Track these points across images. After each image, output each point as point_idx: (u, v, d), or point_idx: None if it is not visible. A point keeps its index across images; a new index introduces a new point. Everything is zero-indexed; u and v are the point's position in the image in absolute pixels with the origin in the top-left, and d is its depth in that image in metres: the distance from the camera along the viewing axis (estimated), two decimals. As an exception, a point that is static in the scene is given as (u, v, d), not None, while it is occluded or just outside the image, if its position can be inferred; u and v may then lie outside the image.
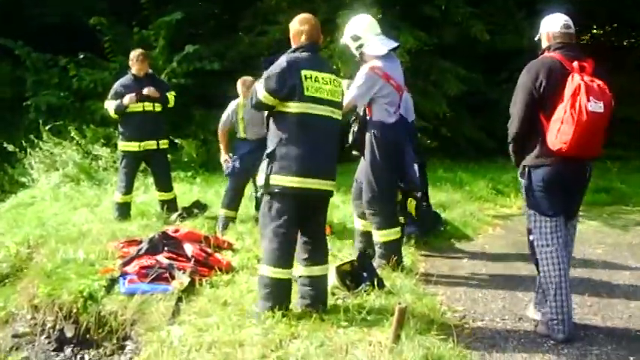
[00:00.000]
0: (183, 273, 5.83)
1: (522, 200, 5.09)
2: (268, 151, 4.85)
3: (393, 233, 6.22)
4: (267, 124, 4.99)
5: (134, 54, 8.34)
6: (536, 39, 5.11)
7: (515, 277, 6.33)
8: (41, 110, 12.84)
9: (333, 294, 5.43)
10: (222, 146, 8.20)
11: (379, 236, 6.21)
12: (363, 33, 6.11)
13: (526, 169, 4.88)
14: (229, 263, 6.27)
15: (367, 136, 6.13)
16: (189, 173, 11.81)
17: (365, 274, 5.57)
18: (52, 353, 5.77)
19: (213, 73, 12.95)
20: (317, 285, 5.05)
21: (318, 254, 5.09)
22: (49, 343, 5.86)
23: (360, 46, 6.11)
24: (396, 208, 6.51)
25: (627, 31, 17.71)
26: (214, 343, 4.54)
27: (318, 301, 5.02)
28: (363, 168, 6.31)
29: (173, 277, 5.81)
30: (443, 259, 7.13)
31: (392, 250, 6.17)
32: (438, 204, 9.07)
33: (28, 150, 11.64)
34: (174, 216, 8.23)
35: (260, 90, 4.85)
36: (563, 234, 4.91)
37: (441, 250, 7.48)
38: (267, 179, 4.81)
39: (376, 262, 6.05)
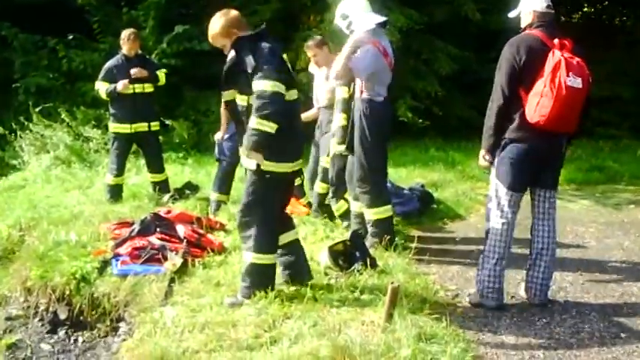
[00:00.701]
0: (176, 254, 5.82)
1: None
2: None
3: (384, 211, 6.22)
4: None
5: (125, 33, 8.26)
6: (511, 16, 5.17)
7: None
8: (31, 92, 12.73)
9: (326, 274, 5.44)
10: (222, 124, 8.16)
11: (370, 214, 6.22)
12: (352, 11, 6.09)
13: (502, 141, 4.94)
14: (221, 244, 6.27)
15: (357, 114, 6.12)
16: (181, 154, 11.76)
17: (357, 254, 5.57)
18: (46, 335, 5.76)
19: (204, 53, 12.83)
20: (295, 250, 5.15)
21: (287, 220, 5.21)
22: (42, 325, 5.86)
23: (350, 24, 6.10)
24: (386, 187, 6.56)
25: (618, 10, 17.67)
26: (207, 323, 4.53)
27: (300, 267, 5.11)
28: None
29: (166, 258, 5.80)
30: (435, 238, 7.15)
31: (384, 228, 6.18)
32: (430, 183, 9.09)
33: (18, 132, 11.55)
34: (166, 197, 8.21)
35: (273, 85, 4.50)
36: (518, 210, 5.08)
37: (433, 230, 7.50)
38: (258, 166, 4.72)
39: (369, 241, 6.06)
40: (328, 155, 6.91)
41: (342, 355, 3.92)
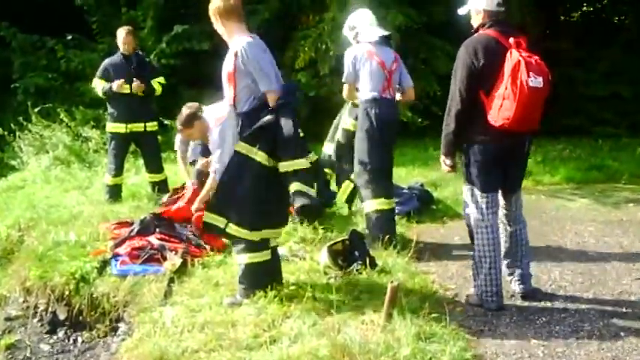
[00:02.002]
0: (175, 254, 5.82)
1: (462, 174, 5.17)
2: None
3: (382, 203, 6.32)
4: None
5: (121, 30, 8.28)
6: (460, 13, 5.13)
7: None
8: (29, 92, 12.76)
9: (326, 273, 5.44)
10: None
11: (368, 207, 6.35)
12: (358, 23, 6.55)
13: (465, 145, 4.94)
14: (223, 242, 6.25)
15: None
16: (180, 154, 11.73)
17: (357, 253, 5.58)
18: (45, 335, 5.75)
19: (203, 52, 12.85)
20: (274, 253, 5.16)
21: None
22: (41, 325, 5.85)
23: (356, 35, 6.54)
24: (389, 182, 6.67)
25: (617, 8, 17.63)
26: (207, 323, 4.54)
27: (278, 271, 5.15)
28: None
29: (165, 258, 5.80)
30: (435, 237, 7.14)
31: (382, 222, 6.27)
32: (429, 183, 9.10)
33: (17, 133, 11.56)
34: (165, 197, 8.20)
35: None
36: (497, 209, 5.02)
37: (433, 229, 7.49)
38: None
39: (368, 239, 6.07)
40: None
41: (342, 354, 3.93)
